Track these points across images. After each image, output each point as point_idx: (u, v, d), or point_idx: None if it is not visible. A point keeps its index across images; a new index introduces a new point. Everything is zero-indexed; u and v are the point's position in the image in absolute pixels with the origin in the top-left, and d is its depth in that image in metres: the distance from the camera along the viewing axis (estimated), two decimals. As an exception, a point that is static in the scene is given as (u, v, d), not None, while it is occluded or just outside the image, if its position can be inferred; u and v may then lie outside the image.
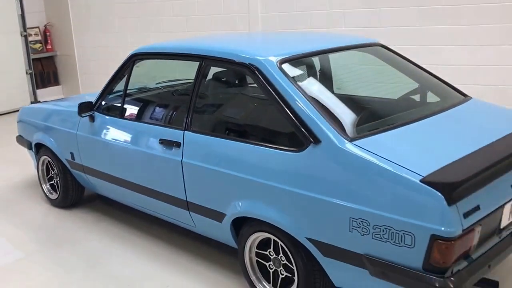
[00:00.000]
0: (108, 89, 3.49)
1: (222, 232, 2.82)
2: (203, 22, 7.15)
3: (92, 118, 3.49)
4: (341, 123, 2.36)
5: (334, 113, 2.44)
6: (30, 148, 4.21)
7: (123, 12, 8.02)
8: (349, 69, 3.37)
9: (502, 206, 2.20)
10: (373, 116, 2.65)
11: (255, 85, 2.70)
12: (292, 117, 2.39)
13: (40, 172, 4.16)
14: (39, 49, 8.67)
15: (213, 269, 3.03)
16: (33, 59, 8.23)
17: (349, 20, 5.66)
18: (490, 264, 2.16)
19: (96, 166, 3.55)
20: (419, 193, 1.98)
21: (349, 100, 2.95)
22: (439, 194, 1.93)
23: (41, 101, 7.94)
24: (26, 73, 8.09)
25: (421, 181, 1.98)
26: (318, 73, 3.09)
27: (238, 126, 2.86)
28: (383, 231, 2.06)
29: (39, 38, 8.70)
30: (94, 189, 3.82)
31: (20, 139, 4.39)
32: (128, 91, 3.42)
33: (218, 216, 2.75)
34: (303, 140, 2.34)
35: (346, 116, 2.52)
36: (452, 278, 1.98)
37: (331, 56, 3.19)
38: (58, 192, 4.00)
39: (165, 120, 3.19)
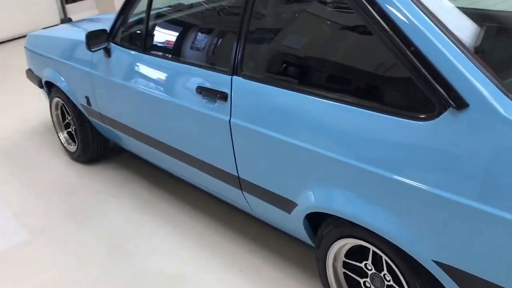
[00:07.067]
0: (126, 10, 2.54)
1: (292, 225, 1.95)
2: None
3: (107, 52, 2.58)
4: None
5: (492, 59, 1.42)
6: (40, 86, 3.37)
7: None
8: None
9: None
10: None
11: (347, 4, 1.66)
12: (417, 62, 1.38)
13: (54, 118, 3.34)
14: (67, -41, 7.70)
15: (272, 264, 2.19)
16: (60, -29, 7.35)
17: None
18: None
19: (116, 116, 2.68)
20: None
21: None
22: None
23: (71, 18, 7.13)
24: (54, -14, 7.29)
25: None
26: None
27: (318, 72, 1.84)
28: None
29: None
30: (119, 142, 2.98)
31: (30, 74, 3.54)
32: (153, 12, 2.48)
33: (285, 204, 1.86)
34: (435, 102, 1.35)
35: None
36: None
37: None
38: (77, 143, 3.19)
39: (205, 58, 2.22)
